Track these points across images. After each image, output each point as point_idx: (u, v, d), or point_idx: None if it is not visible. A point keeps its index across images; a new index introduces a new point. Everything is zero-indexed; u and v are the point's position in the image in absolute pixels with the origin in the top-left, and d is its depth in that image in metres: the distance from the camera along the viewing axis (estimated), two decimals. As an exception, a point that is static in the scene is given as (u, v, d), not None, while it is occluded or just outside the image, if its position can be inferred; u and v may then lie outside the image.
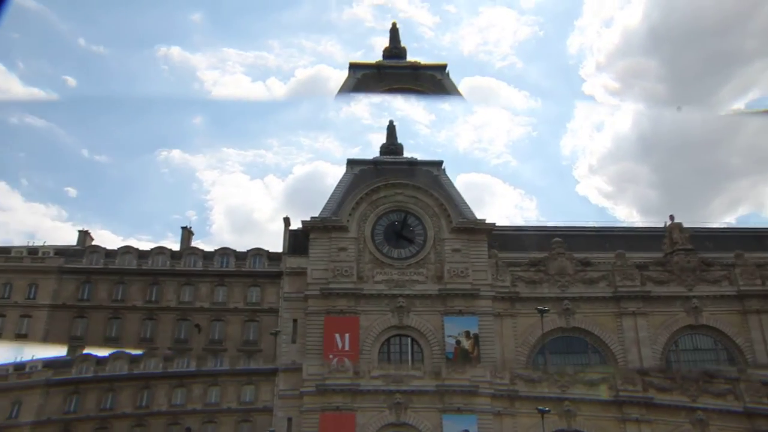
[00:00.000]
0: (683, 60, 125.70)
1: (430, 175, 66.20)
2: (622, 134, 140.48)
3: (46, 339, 60.34)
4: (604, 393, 54.62)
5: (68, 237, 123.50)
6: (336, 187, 65.77)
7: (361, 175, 66.18)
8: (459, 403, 54.74)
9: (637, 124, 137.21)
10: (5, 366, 60.58)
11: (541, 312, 55.40)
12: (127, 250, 63.67)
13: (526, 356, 58.57)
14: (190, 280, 62.08)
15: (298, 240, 62.97)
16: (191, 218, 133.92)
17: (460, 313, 58.63)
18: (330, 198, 64.90)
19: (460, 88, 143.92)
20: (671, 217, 64.85)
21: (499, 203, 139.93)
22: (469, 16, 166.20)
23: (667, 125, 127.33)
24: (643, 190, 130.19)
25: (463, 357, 57.00)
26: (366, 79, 66.55)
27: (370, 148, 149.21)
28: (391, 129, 72.16)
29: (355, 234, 61.50)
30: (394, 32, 72.98)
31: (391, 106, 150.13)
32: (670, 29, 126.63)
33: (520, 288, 60.45)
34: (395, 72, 67.74)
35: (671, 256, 62.21)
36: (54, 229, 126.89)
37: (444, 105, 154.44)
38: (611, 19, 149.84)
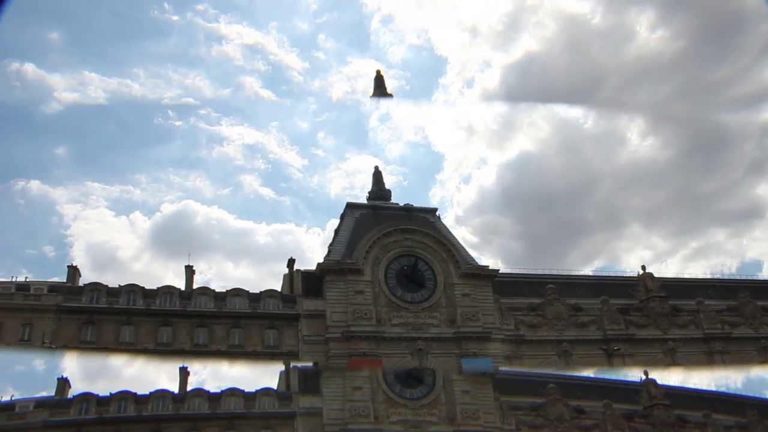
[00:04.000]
0: (535, 222, 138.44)
1: (426, 221, 69.05)
2: (487, 187, 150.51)
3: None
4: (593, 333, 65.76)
5: None
6: (340, 230, 67.10)
7: (362, 219, 67.88)
8: (474, 347, 61.02)
9: (501, 178, 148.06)
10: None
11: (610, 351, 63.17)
12: (131, 288, 61.04)
13: (535, 396, 62.38)
14: (204, 322, 60.50)
15: (310, 282, 63.56)
16: (48, 254, 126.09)
17: (475, 355, 61.55)
18: (336, 240, 66.18)
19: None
20: (643, 267, 72.09)
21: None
22: (338, 64, 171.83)
23: (529, 180, 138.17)
24: (507, 242, 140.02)
25: (482, 397, 59.95)
26: (363, 218, 68.52)
27: (242, 189, 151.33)
28: (377, 175, 74.59)
29: (370, 277, 62.95)
30: (377, 175, 75.16)
31: (264, 149, 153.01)
32: (522, 193, 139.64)
33: (524, 331, 64.51)
34: (390, 213, 69.91)
35: (647, 302, 68.82)
36: None
37: (318, 151, 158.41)
38: (469, 176, 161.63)
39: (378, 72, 72.57)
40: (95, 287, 60.86)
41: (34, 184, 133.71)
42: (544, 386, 62.52)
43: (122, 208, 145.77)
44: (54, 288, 60.59)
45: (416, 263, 64.69)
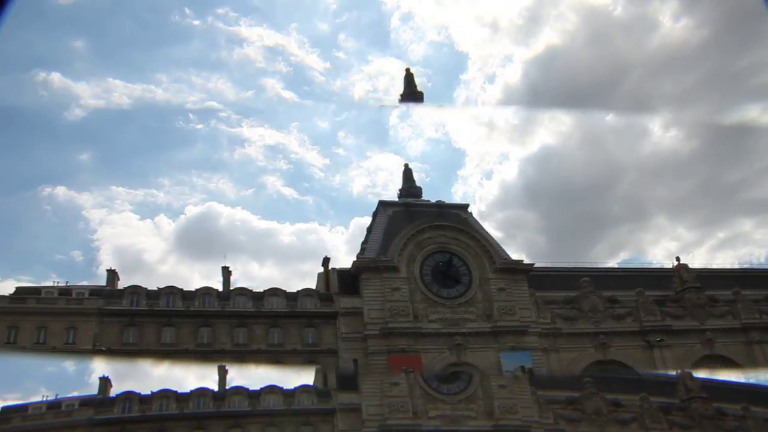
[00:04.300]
0: (559, 216, 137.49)
1: (459, 218, 69.33)
2: (509, 182, 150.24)
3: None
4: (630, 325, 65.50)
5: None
6: (374, 228, 67.56)
7: (395, 216, 68.33)
8: (512, 341, 61.57)
9: (523, 173, 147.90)
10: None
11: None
12: (170, 290, 61.88)
13: (574, 389, 62.37)
14: (243, 322, 61.15)
15: (345, 280, 64.04)
16: (76, 259, 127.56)
17: (513, 349, 61.71)
18: (371, 238, 66.57)
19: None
20: (677, 258, 71.86)
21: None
22: (358, 63, 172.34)
23: (551, 174, 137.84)
24: (531, 236, 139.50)
25: (521, 391, 60.04)
26: (396, 215, 69.02)
27: (265, 190, 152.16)
28: (407, 173, 75.22)
29: (405, 274, 63.34)
30: (407, 173, 75.82)
31: (285, 149, 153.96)
32: (545, 187, 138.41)
33: (560, 324, 64.55)
34: (422, 210, 70.34)
35: (683, 293, 68.54)
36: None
37: (338, 150, 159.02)
38: (491, 172, 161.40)
39: (407, 70, 73.39)
40: (135, 290, 61.76)
41: (61, 190, 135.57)
42: (580, 380, 62.52)
43: (147, 211, 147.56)
44: (95, 292, 61.58)
45: (451, 259, 64.97)
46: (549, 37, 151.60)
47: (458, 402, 59.41)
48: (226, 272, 66.23)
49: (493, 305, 63.27)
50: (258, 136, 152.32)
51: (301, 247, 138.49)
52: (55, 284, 62.63)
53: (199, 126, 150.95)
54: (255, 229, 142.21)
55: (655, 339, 64.49)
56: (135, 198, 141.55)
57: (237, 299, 62.34)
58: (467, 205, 71.63)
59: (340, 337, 60.98)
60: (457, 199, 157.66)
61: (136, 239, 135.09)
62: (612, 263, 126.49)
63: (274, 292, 63.11)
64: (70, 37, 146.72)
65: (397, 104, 71.50)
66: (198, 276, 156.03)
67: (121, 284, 63.63)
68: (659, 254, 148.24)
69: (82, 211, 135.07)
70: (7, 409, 56.53)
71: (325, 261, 66.48)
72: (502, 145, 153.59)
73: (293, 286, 64.75)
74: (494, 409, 58.70)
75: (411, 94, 73.74)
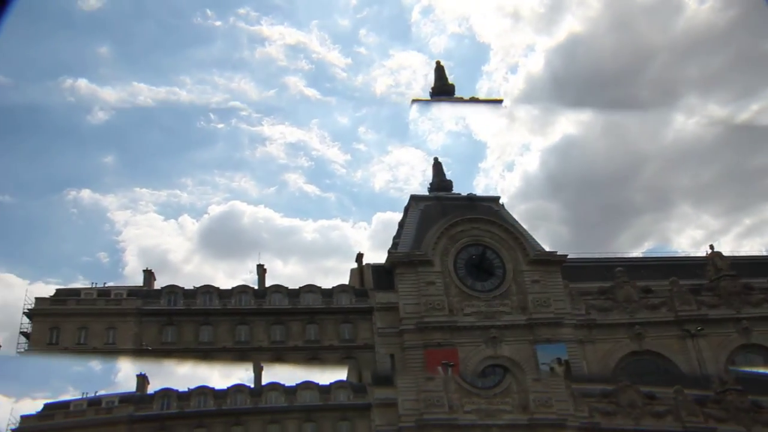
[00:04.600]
0: (582, 207, 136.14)
1: (491, 210, 69.30)
2: (531, 174, 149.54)
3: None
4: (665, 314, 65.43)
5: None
6: (406, 223, 67.74)
7: (427, 210, 68.42)
8: (547, 334, 61.77)
9: (545, 163, 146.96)
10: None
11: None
12: (206, 289, 62.49)
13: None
14: (280, 319, 61.67)
15: (379, 275, 64.37)
16: (102, 260, 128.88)
17: (548, 341, 61.76)
18: (403, 233, 66.72)
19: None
20: (711, 246, 71.43)
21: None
22: (380, 58, 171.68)
23: (573, 164, 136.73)
24: (554, 227, 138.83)
25: (558, 383, 60.15)
26: (428, 209, 69.01)
27: (287, 187, 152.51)
28: (437, 166, 75.31)
29: (440, 268, 63.49)
30: (437, 166, 76.03)
31: (306, 146, 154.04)
32: (567, 177, 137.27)
33: (595, 315, 64.46)
34: (454, 204, 70.22)
35: (718, 282, 68.13)
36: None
37: (359, 146, 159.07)
38: (512, 163, 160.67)
39: (438, 63, 73.30)
40: (172, 290, 62.48)
41: (86, 193, 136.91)
42: (614, 372, 62.57)
43: (170, 211, 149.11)
44: (133, 292, 62.35)
45: (484, 252, 65.04)
46: (571, 24, 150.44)
47: (493, 396, 59.69)
48: (261, 270, 66.80)
49: (528, 297, 63.32)
50: (279, 134, 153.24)
51: (325, 243, 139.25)
52: (93, 285, 63.44)
53: (221, 125, 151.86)
54: (278, 226, 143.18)
55: (696, 328, 64.14)
56: (159, 199, 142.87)
57: (273, 297, 62.84)
58: (498, 198, 71.66)
59: (376, 332, 61.36)
60: (479, 191, 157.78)
61: (161, 239, 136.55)
62: (636, 253, 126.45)
63: (310, 288, 63.55)
64: (95, 44, 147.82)
65: (430, 99, 71.07)
66: (222, 275, 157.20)
67: (144, 284, 64.42)
68: (684, 243, 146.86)
69: (107, 213, 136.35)
70: (50, 406, 57.64)
71: (359, 257, 67.07)
72: (523, 136, 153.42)
73: (319, 283, 65.04)
74: (529, 403, 58.95)
75: (443, 87, 73.75)
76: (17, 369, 63.80)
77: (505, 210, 70.32)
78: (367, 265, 66.07)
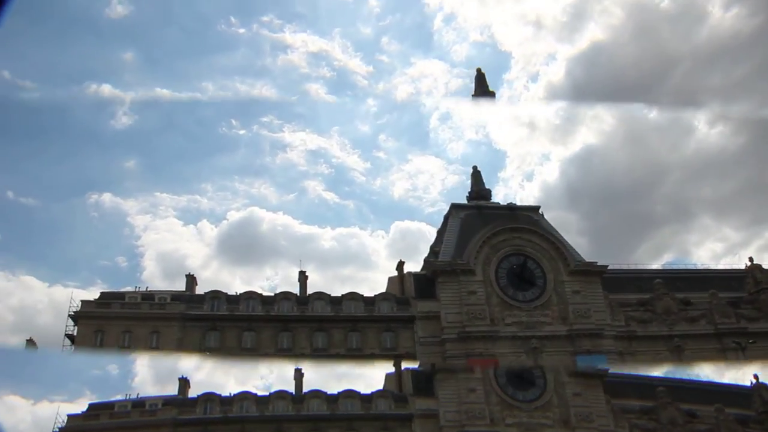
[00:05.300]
0: (601, 217, 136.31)
1: (531, 219, 69.36)
2: (551, 184, 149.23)
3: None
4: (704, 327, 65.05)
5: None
6: (447, 232, 67.84)
7: (467, 219, 68.54)
8: (588, 345, 61.57)
9: (564, 174, 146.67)
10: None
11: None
12: (249, 295, 62.88)
13: (650, 392, 62.38)
14: (322, 326, 61.97)
15: (420, 284, 64.55)
16: (121, 264, 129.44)
17: (588, 352, 61.82)
18: (445, 242, 66.86)
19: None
20: (750, 259, 71.35)
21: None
22: (402, 66, 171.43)
23: (593, 175, 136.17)
24: (573, 238, 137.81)
25: (599, 395, 60.20)
26: (469, 218, 69.02)
27: (306, 194, 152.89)
28: (476, 175, 75.25)
29: (481, 277, 63.62)
30: (476, 175, 75.85)
31: (327, 153, 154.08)
32: (587, 188, 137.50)
33: (634, 327, 64.50)
34: (495, 213, 70.21)
35: (757, 295, 68.05)
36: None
37: (379, 154, 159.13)
38: (532, 173, 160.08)
39: (479, 71, 73.35)
40: (215, 295, 62.84)
41: (107, 197, 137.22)
42: (653, 389, 61.88)
43: (190, 217, 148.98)
44: (176, 297, 62.72)
45: (525, 262, 65.07)
46: (593, 32, 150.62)
47: (534, 409, 59.39)
48: (303, 276, 67.01)
49: (569, 308, 63.38)
50: (299, 140, 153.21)
51: (342, 251, 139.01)
52: (137, 289, 63.94)
53: (242, 132, 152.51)
54: (296, 233, 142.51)
55: (747, 341, 63.75)
56: (178, 204, 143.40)
57: (315, 304, 63.13)
58: (538, 207, 71.64)
59: (418, 341, 61.56)
60: (499, 200, 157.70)
61: (180, 245, 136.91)
62: (656, 265, 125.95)
63: (352, 296, 63.84)
64: (120, 50, 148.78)
65: (492, 95, 71.47)
66: (239, 281, 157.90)
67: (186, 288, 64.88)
68: (704, 256, 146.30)
69: (127, 218, 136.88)
70: (95, 406, 58.13)
71: (400, 264, 67.21)
72: (544, 145, 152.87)
73: (336, 291, 65.16)
74: (570, 417, 58.81)
75: (483, 93, 73.97)
76: (62, 369, 64.47)
77: (545, 220, 70.37)
78: (409, 273, 66.24)
